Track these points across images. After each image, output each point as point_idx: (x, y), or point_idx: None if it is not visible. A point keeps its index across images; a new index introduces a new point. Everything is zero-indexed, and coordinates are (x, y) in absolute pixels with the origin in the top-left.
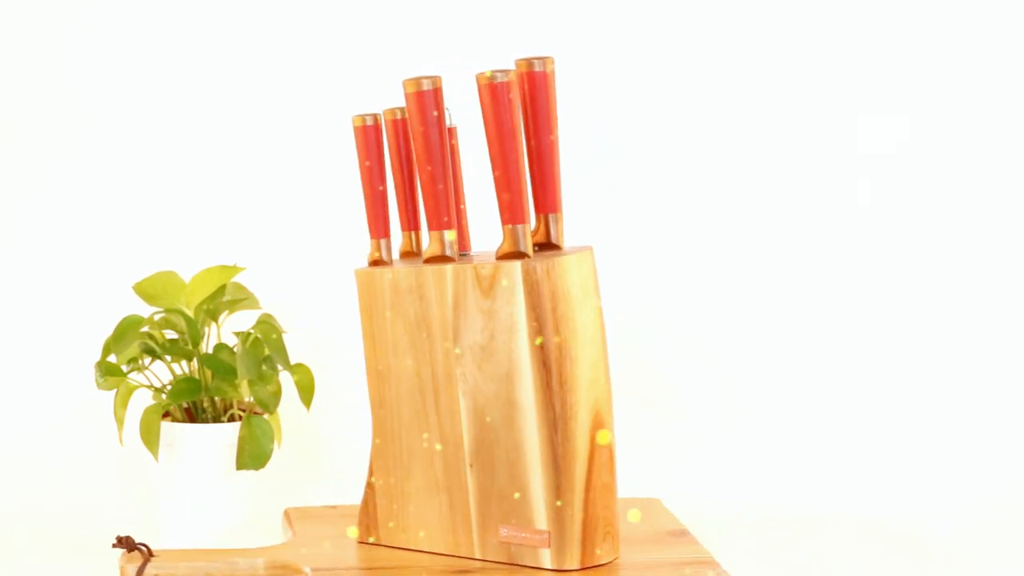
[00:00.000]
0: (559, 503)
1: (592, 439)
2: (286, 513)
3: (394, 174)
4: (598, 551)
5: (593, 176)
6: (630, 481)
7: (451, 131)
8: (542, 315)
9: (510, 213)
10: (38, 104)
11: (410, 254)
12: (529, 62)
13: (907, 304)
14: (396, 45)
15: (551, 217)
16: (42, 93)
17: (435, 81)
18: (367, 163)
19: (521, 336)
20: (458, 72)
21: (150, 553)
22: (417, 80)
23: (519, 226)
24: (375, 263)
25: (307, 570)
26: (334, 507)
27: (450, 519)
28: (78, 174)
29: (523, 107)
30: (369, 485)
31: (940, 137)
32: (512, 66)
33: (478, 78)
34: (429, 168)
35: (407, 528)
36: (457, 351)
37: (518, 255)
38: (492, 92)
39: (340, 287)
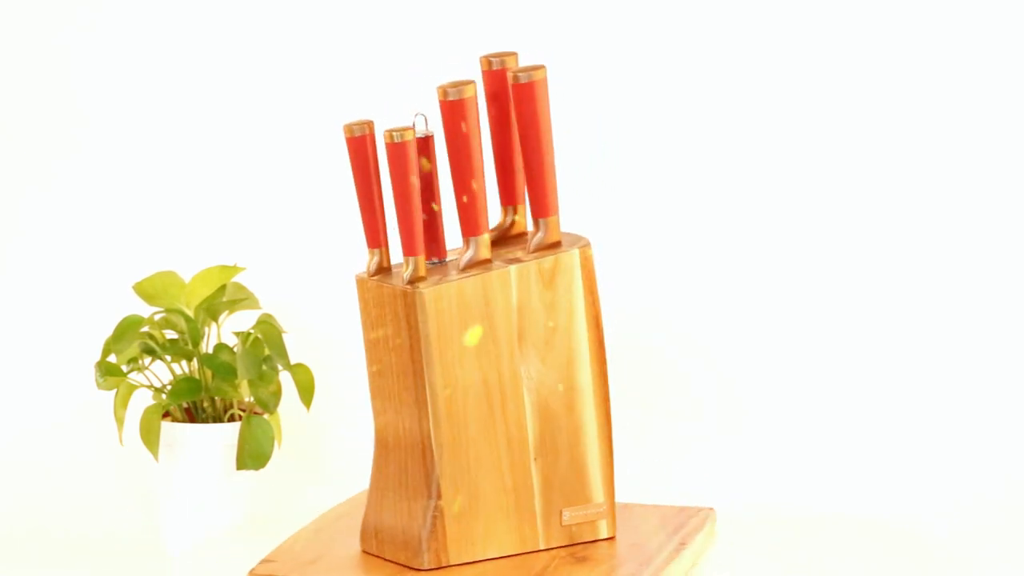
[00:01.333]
0: (611, 474)
1: None
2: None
3: (359, 191)
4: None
5: (592, 175)
6: (630, 481)
7: (427, 139)
8: (597, 296)
9: (543, 207)
10: (38, 104)
11: (383, 269)
12: (488, 59)
13: (908, 304)
14: (395, 46)
15: (519, 208)
16: (42, 93)
17: (462, 90)
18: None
19: (580, 320)
20: (458, 72)
21: None
22: (444, 88)
23: (551, 218)
24: (413, 280)
25: None
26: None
27: (516, 518)
28: (78, 174)
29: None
30: (436, 508)
31: (940, 135)
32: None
33: (508, 78)
34: (469, 177)
35: (478, 540)
36: (522, 350)
37: (556, 245)
38: (519, 92)
39: (340, 287)
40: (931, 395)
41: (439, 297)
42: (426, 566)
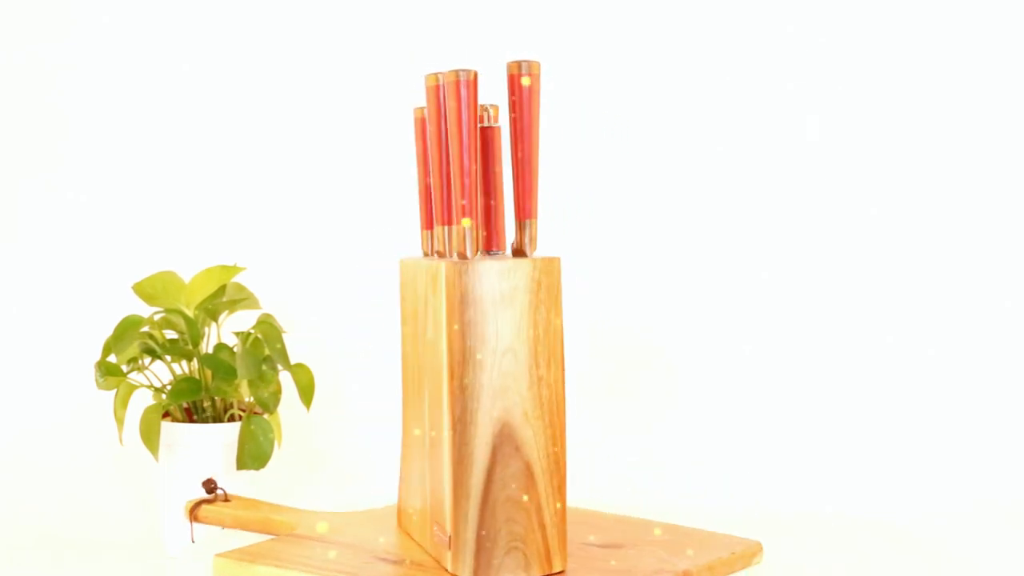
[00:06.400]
0: (456, 508)
1: (494, 448)
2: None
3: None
4: (496, 563)
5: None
6: (631, 482)
7: (493, 130)
8: (451, 317)
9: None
10: (38, 104)
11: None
12: (517, 64)
13: (910, 305)
14: (395, 45)
15: (526, 223)
16: (43, 93)
17: (470, 75)
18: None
19: (442, 338)
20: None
21: (226, 497)
22: (435, 76)
23: (462, 227)
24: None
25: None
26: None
27: (423, 510)
28: (78, 175)
29: (509, 114)
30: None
31: (925, 139)
32: (504, 69)
33: (426, 80)
34: (457, 164)
35: (412, 517)
36: (425, 344)
37: (461, 255)
38: (455, 90)
39: (340, 286)
40: (931, 396)
41: (404, 270)
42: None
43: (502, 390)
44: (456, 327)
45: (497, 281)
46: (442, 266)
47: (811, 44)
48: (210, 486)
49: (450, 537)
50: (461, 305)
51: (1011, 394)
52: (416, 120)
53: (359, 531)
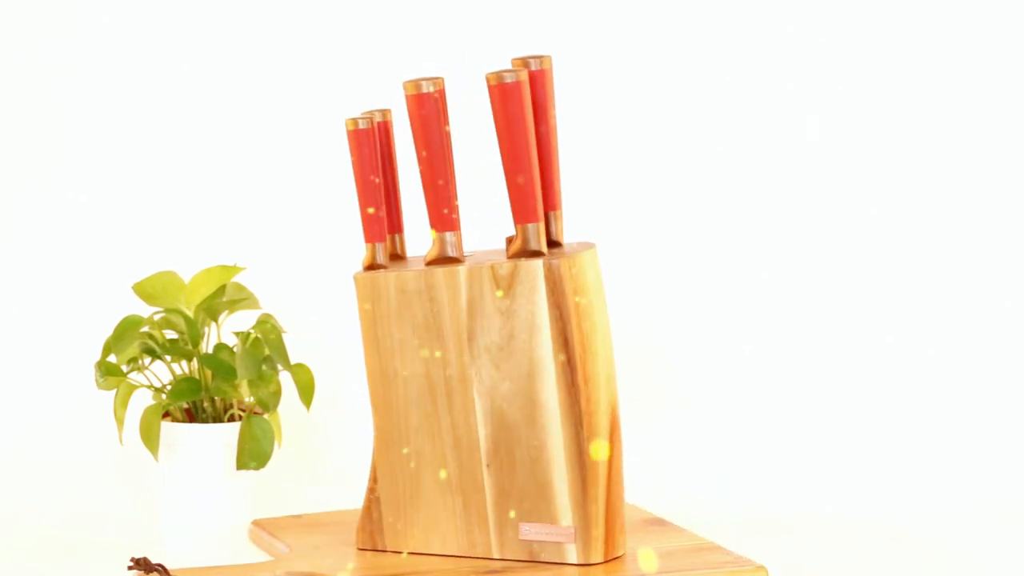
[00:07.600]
0: (585, 498)
1: (612, 435)
2: (255, 524)
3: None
4: (619, 542)
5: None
6: (631, 482)
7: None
8: (565, 312)
9: (524, 212)
10: (38, 103)
11: (395, 257)
12: (525, 61)
13: (910, 305)
14: (397, 43)
15: (551, 215)
16: (43, 93)
17: (436, 83)
18: (360, 166)
19: (543, 334)
20: (459, 71)
21: (166, 572)
22: (417, 82)
23: (532, 224)
24: (371, 267)
25: None
26: (298, 516)
27: (464, 520)
28: (78, 174)
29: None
30: (371, 491)
31: (925, 139)
32: (508, 64)
33: (488, 78)
34: (432, 170)
35: (416, 533)
36: (472, 352)
37: (534, 253)
38: (503, 93)
39: (340, 287)
40: (931, 396)
41: (374, 285)
42: (357, 545)
43: (610, 377)
44: (573, 320)
45: (591, 271)
46: (539, 264)
47: (811, 44)
48: (147, 565)
49: (575, 529)
50: (575, 297)
51: (1011, 394)
52: (350, 132)
53: (329, 561)
